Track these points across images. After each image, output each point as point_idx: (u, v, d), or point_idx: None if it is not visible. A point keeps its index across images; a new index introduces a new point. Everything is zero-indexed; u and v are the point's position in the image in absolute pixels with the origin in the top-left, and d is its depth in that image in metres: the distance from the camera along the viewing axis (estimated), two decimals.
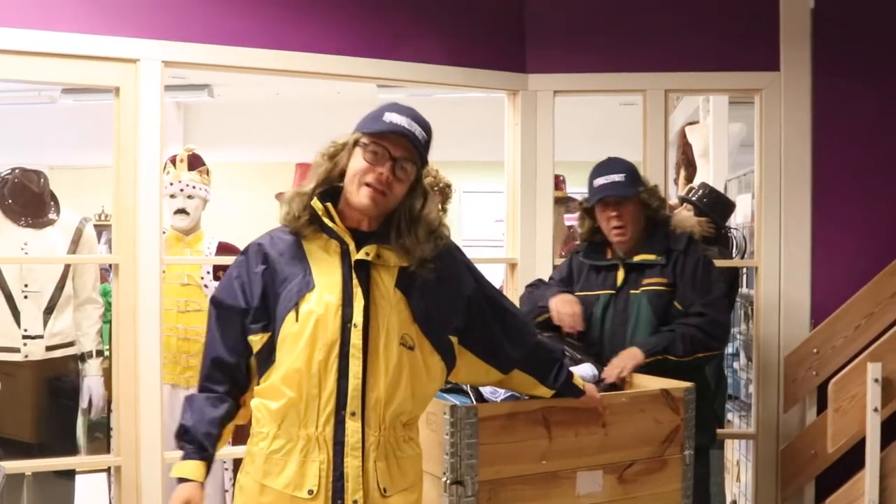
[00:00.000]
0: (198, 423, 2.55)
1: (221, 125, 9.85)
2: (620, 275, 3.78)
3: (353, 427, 2.48)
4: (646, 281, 3.72)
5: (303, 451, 2.49)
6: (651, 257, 3.74)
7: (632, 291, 3.74)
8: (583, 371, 3.30)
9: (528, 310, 3.80)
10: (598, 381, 3.31)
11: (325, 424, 2.48)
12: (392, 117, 2.52)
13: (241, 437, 2.81)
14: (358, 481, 2.48)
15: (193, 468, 2.53)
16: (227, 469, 4.60)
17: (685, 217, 3.97)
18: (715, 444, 3.97)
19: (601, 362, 3.54)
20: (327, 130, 2.68)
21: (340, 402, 2.48)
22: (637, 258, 3.76)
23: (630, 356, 3.50)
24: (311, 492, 2.47)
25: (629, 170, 3.80)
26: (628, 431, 3.11)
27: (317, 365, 2.47)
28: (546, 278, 4.14)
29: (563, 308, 3.69)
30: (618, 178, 3.73)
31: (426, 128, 2.58)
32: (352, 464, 2.48)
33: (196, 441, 2.54)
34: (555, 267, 4.49)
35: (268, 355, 2.54)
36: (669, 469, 3.21)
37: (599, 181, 3.76)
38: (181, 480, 2.54)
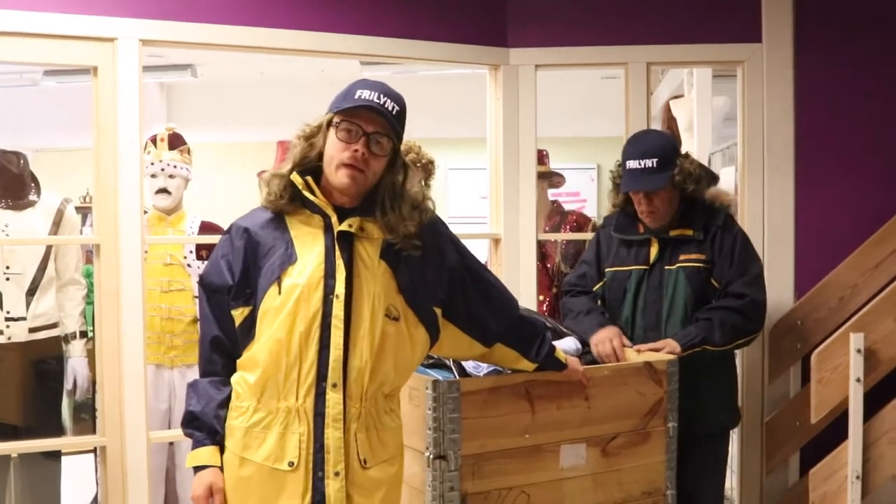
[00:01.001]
0: (206, 408, 2.57)
1: (205, 105, 9.81)
2: (654, 250, 3.67)
3: (334, 398, 2.49)
4: (683, 257, 3.61)
5: (283, 423, 2.50)
6: (688, 232, 3.63)
7: (667, 267, 3.63)
8: (566, 345, 3.30)
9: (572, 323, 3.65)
10: (580, 355, 3.31)
11: (305, 396, 2.49)
12: (362, 93, 2.53)
13: None
14: (340, 453, 2.50)
15: (209, 454, 2.57)
16: None
17: (722, 191, 3.82)
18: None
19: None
20: (311, 109, 2.69)
21: (321, 373, 2.49)
22: (674, 233, 3.64)
23: (664, 345, 3.44)
24: (291, 464, 2.49)
25: (663, 151, 3.61)
26: (611, 404, 3.12)
27: (298, 336, 2.48)
28: (574, 263, 4.05)
29: (604, 348, 3.45)
30: (650, 163, 3.56)
31: (398, 101, 2.58)
32: (333, 435, 2.49)
33: (207, 426, 2.57)
34: (538, 243, 4.49)
35: (248, 329, 2.55)
36: (653, 441, 3.22)
37: (631, 165, 3.61)
38: (197, 469, 2.57)
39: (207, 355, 2.62)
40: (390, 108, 2.54)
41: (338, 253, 2.53)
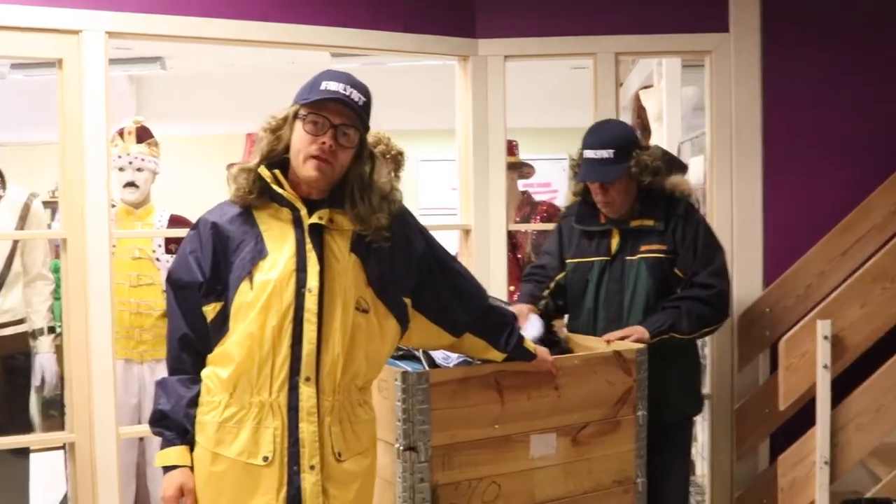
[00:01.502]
0: (175, 407, 2.55)
1: (175, 98, 9.75)
2: (615, 241, 3.67)
3: (307, 392, 2.49)
4: (644, 247, 3.62)
5: (256, 417, 2.49)
6: (649, 223, 3.63)
7: (628, 258, 3.64)
8: (532, 327, 3.33)
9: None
10: (548, 344, 3.31)
11: (279, 390, 2.49)
12: (328, 85, 2.52)
13: None
14: (314, 446, 2.50)
15: (179, 454, 2.55)
16: None
17: (681, 180, 3.82)
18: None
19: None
20: (281, 101, 2.67)
21: (294, 367, 2.49)
22: (634, 223, 3.65)
23: (633, 332, 3.46)
24: (266, 458, 2.48)
25: (620, 142, 3.61)
26: (581, 393, 3.13)
27: (270, 330, 2.47)
28: (541, 251, 4.07)
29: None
30: (606, 154, 3.56)
31: (364, 91, 2.57)
32: (308, 429, 2.49)
33: (176, 425, 2.55)
34: (509, 233, 4.50)
35: (221, 324, 2.54)
36: (623, 430, 3.23)
37: (588, 154, 3.61)
38: (167, 469, 2.55)
39: (176, 353, 2.60)
40: (357, 100, 2.53)
41: (309, 246, 2.53)
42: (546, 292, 3.81)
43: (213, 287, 2.54)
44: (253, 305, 2.48)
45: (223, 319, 2.53)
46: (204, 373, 2.57)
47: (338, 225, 2.57)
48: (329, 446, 2.53)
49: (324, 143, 2.49)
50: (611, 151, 3.57)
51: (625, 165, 3.57)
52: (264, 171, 2.54)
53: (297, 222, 2.55)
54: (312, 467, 2.49)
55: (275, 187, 2.54)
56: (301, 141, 2.51)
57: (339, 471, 2.55)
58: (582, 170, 3.65)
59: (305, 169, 2.51)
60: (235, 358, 2.49)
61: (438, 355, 3.03)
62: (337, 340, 2.51)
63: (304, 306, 2.49)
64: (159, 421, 2.57)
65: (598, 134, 3.68)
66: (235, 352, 2.49)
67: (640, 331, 3.46)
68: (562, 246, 3.84)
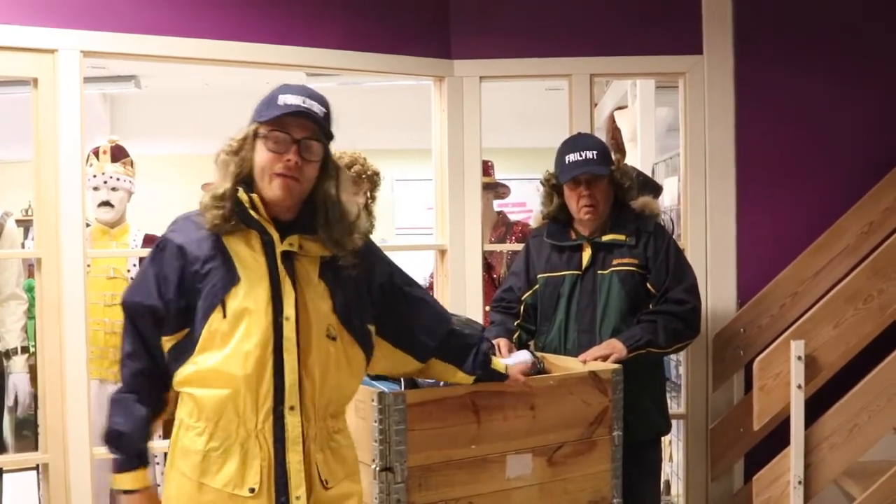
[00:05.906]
0: (133, 428, 2.47)
1: (149, 116, 9.72)
2: (586, 255, 3.70)
3: (293, 421, 2.44)
4: (616, 261, 3.65)
5: (242, 448, 2.43)
6: (621, 237, 3.67)
7: (600, 272, 3.67)
8: (522, 356, 3.33)
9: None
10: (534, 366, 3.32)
11: (264, 421, 2.43)
12: (286, 99, 2.44)
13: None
14: (300, 476, 2.45)
15: (139, 478, 2.48)
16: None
17: (650, 200, 3.89)
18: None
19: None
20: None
21: (278, 397, 2.43)
22: (606, 238, 3.68)
23: (610, 347, 3.47)
24: (252, 490, 2.42)
25: (601, 147, 3.73)
26: (557, 414, 3.13)
27: (253, 362, 2.40)
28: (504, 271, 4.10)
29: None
30: (591, 154, 3.63)
31: (323, 102, 2.50)
32: (293, 458, 2.44)
33: (133, 447, 2.47)
34: (484, 255, 4.51)
35: (184, 350, 2.45)
36: (598, 450, 3.23)
37: (572, 157, 3.65)
38: (125, 492, 2.47)
39: (131, 384, 2.51)
40: (317, 111, 2.46)
41: (283, 273, 2.46)
42: (517, 322, 3.84)
43: (176, 315, 2.45)
44: (228, 334, 2.41)
45: (189, 346, 2.44)
46: (183, 394, 2.49)
47: (307, 251, 2.51)
48: (316, 475, 2.48)
49: (289, 160, 2.42)
50: (594, 153, 3.65)
51: (609, 167, 3.67)
52: (243, 196, 2.45)
53: (266, 246, 2.48)
54: (298, 498, 2.44)
55: (251, 212, 2.46)
56: (265, 160, 2.44)
57: (327, 498, 2.51)
58: (567, 169, 3.67)
59: (272, 189, 2.44)
60: (219, 391, 2.41)
61: None
62: (315, 368, 2.47)
63: (283, 335, 2.43)
64: (115, 440, 2.48)
65: (579, 140, 3.78)
66: (218, 385, 2.41)
67: (617, 347, 3.48)
68: (529, 264, 3.87)
